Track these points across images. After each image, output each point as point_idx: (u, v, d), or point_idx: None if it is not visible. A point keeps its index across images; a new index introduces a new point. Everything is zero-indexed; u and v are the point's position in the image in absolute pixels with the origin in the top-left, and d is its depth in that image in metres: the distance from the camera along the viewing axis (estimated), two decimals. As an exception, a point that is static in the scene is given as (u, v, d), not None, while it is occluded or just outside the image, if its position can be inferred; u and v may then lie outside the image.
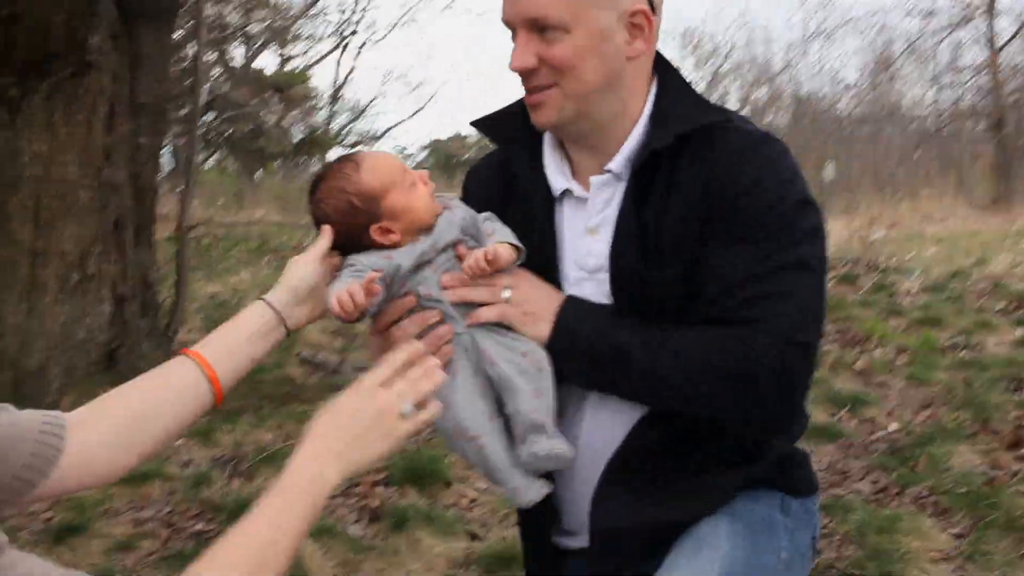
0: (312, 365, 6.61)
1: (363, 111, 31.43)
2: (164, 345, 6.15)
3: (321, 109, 29.26)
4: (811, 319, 1.47)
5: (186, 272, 6.55)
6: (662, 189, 1.52)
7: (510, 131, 1.67)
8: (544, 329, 1.53)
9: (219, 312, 8.46)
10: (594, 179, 1.58)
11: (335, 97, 29.71)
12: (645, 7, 1.51)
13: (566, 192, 1.62)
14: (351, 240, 1.57)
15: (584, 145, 1.61)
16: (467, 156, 29.60)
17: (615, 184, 1.57)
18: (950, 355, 6.95)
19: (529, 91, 1.54)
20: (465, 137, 34.98)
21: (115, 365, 5.51)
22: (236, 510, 4.07)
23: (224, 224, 10.33)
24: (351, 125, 30.75)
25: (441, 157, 35.95)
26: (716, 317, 1.46)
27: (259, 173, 25.73)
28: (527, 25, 1.49)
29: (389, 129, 33.54)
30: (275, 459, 4.65)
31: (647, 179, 1.53)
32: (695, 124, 1.51)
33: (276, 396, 5.37)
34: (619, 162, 1.56)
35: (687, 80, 1.61)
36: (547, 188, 1.62)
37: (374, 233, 1.55)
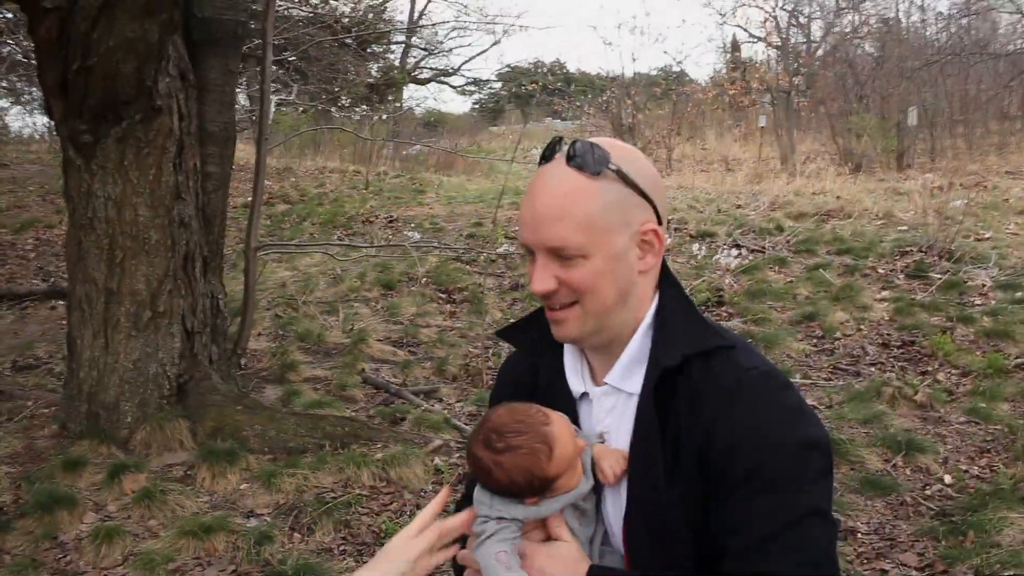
0: (374, 386, 6.78)
1: (440, 44, 31.23)
2: (233, 369, 6.37)
3: (395, 48, 29.17)
4: (832, 566, 1.47)
5: (253, 292, 6.71)
6: (666, 406, 1.55)
7: (534, 339, 1.74)
8: None
9: (288, 315, 8.67)
10: (595, 391, 1.66)
11: (410, 33, 29.54)
12: (655, 225, 1.57)
13: (584, 394, 1.69)
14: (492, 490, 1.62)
15: (600, 351, 1.67)
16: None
17: (616, 393, 1.63)
18: (1016, 378, 6.84)
19: (550, 307, 1.61)
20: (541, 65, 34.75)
21: (185, 398, 5.74)
22: (297, 574, 4.29)
23: (286, 244, 10.42)
24: (424, 61, 30.69)
25: (516, 86, 35.67)
26: (743, 571, 1.46)
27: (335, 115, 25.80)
28: (546, 251, 1.55)
29: (464, 63, 33.36)
30: (333, 511, 4.85)
31: (657, 393, 1.56)
32: (703, 347, 1.55)
33: (336, 435, 5.54)
34: (617, 373, 1.62)
35: (685, 292, 1.66)
36: (569, 390, 1.70)
37: (527, 500, 1.60)
